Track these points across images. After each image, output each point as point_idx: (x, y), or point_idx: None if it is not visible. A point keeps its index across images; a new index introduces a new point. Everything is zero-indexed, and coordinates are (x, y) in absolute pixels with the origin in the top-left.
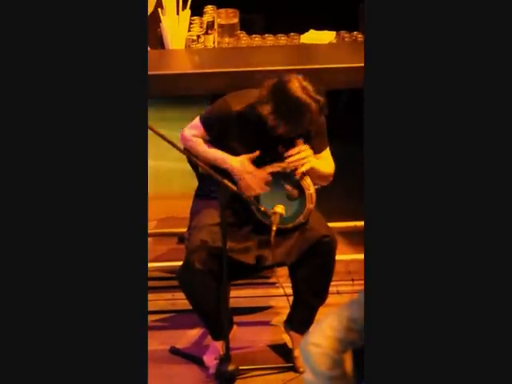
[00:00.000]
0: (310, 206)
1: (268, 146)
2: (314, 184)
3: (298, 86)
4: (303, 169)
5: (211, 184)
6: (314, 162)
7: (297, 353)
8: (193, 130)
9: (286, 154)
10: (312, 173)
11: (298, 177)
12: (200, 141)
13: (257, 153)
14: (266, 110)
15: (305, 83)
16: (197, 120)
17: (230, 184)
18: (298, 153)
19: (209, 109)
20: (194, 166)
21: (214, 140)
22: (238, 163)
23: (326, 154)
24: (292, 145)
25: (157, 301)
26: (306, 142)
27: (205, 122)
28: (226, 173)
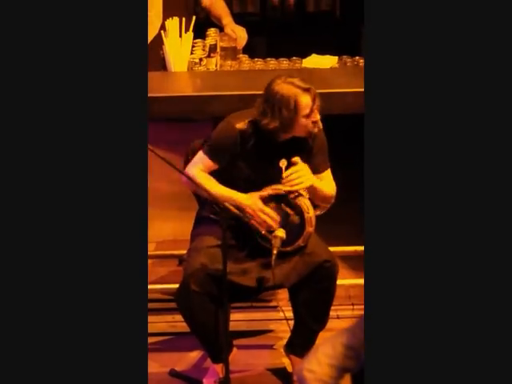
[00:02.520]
0: (310, 229)
1: (272, 162)
2: (316, 207)
3: (281, 81)
4: (301, 186)
5: (212, 207)
6: (314, 180)
7: None
8: (198, 165)
9: (283, 175)
10: (313, 193)
11: (294, 196)
12: (206, 178)
13: (268, 192)
14: (261, 116)
15: (290, 78)
16: (200, 154)
17: (231, 207)
18: (296, 172)
19: (212, 135)
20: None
21: (221, 165)
22: (249, 201)
23: (327, 174)
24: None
25: (157, 323)
26: (308, 160)
27: (210, 151)
28: None
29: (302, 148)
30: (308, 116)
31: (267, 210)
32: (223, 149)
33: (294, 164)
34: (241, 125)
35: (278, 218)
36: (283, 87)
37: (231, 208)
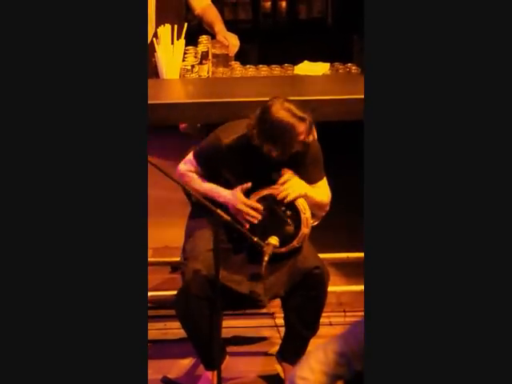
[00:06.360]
0: (305, 230)
1: (261, 175)
2: (312, 214)
3: (279, 107)
4: (289, 198)
5: (205, 212)
6: (307, 189)
7: None
8: (188, 165)
9: (275, 185)
10: (306, 201)
11: (285, 201)
12: (195, 176)
13: (249, 184)
14: (254, 136)
15: (287, 104)
16: (190, 155)
17: (223, 214)
18: (285, 182)
19: (201, 144)
20: (188, 195)
21: (208, 173)
22: (231, 195)
23: (323, 183)
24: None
25: (149, 330)
26: (302, 171)
27: (198, 158)
28: (219, 203)
29: (294, 160)
30: (304, 139)
31: (249, 201)
32: (209, 160)
33: (283, 174)
34: (228, 140)
35: (260, 206)
36: (282, 115)
37: (223, 215)
